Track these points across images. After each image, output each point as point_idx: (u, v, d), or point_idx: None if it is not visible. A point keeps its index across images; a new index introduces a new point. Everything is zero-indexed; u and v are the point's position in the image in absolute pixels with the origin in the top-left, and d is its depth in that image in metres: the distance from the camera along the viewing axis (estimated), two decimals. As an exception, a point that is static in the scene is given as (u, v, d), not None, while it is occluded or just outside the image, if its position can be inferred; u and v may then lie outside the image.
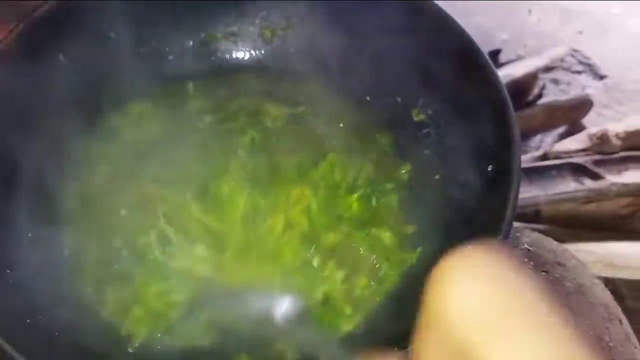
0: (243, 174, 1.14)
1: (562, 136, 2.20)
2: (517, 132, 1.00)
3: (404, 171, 1.19)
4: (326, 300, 1.03)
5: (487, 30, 2.44)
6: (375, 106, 1.29)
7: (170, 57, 1.31)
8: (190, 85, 1.29)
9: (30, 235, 0.98)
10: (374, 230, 1.11)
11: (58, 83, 1.11)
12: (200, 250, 1.03)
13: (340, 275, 1.04)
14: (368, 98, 1.31)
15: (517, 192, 0.93)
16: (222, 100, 1.26)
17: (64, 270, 1.00)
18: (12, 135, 1.00)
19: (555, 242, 1.27)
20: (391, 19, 1.20)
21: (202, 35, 1.33)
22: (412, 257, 1.09)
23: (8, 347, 0.73)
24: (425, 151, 1.21)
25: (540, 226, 1.82)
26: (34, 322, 0.88)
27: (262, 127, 1.23)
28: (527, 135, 2.04)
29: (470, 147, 1.10)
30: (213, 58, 1.34)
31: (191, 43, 1.32)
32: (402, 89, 1.26)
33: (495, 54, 2.18)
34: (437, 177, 1.17)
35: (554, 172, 1.78)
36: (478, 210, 1.02)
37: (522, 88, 2.09)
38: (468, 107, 1.12)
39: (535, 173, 1.79)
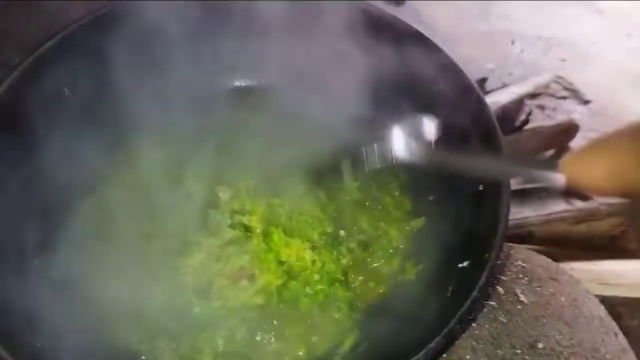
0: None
1: (552, 159, 2.26)
2: (504, 152, 1.06)
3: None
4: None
5: (472, 59, 2.53)
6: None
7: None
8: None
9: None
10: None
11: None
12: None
13: None
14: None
15: (508, 207, 0.98)
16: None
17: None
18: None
19: (548, 260, 1.31)
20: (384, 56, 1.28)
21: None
22: (411, 272, 1.13)
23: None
24: (419, 173, 1.26)
25: (534, 246, 1.86)
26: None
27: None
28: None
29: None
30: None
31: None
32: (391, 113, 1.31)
33: (482, 82, 2.26)
34: (432, 197, 1.22)
35: (543, 194, 1.84)
36: (473, 227, 1.06)
37: (509, 114, 2.17)
38: (459, 131, 1.18)
39: (526, 195, 1.85)
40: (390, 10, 2.59)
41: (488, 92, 2.24)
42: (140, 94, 1.22)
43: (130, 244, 1.12)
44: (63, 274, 1.03)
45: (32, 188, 1.07)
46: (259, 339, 1.04)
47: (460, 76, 1.20)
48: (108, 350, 1.01)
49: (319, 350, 1.05)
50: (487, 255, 0.95)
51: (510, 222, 1.72)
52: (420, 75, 1.24)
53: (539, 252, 1.48)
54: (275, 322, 1.06)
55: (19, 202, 1.05)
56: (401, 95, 1.27)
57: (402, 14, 2.44)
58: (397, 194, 1.26)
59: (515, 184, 1.96)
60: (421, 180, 1.26)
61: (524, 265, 1.22)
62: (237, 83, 1.44)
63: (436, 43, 1.25)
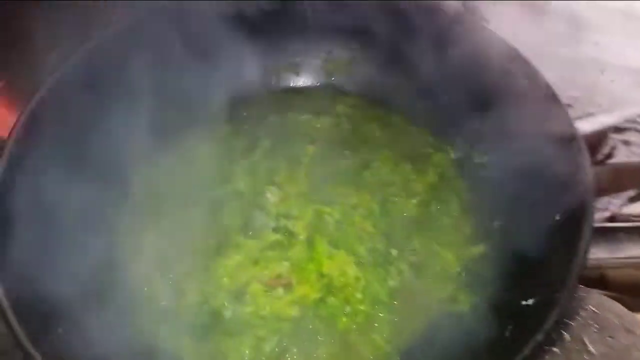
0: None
1: (632, 200, 2.06)
2: (590, 179, 0.93)
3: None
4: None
5: (557, 85, 2.37)
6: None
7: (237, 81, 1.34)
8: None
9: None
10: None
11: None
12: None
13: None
14: (430, 140, 1.28)
15: (588, 242, 0.85)
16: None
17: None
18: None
19: (623, 308, 1.15)
20: (455, 59, 1.19)
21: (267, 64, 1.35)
22: (465, 305, 1.01)
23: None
24: (486, 194, 1.15)
25: (606, 292, 1.67)
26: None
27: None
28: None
29: (537, 194, 1.04)
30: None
31: (255, 69, 1.34)
32: (463, 128, 1.22)
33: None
34: (497, 223, 1.10)
35: (621, 235, 1.65)
36: (543, 260, 0.94)
37: (591, 146, 1.99)
38: (537, 155, 1.06)
39: (601, 234, 1.66)
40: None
41: (569, 120, 2.07)
42: (196, 85, 1.21)
43: (170, 235, 1.08)
44: (98, 254, 1.00)
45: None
46: (288, 353, 0.95)
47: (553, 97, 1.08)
48: (131, 340, 0.96)
49: (352, 375, 0.96)
50: (557, 294, 0.82)
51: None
52: (500, 88, 1.14)
53: (611, 299, 1.32)
54: (308, 337, 0.97)
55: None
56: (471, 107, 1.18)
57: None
58: (456, 214, 1.14)
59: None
60: (487, 202, 1.15)
61: (595, 311, 1.07)
62: (295, 83, 1.38)
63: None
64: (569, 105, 2.10)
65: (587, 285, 1.68)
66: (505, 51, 1.16)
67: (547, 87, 1.06)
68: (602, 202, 2.14)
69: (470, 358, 0.87)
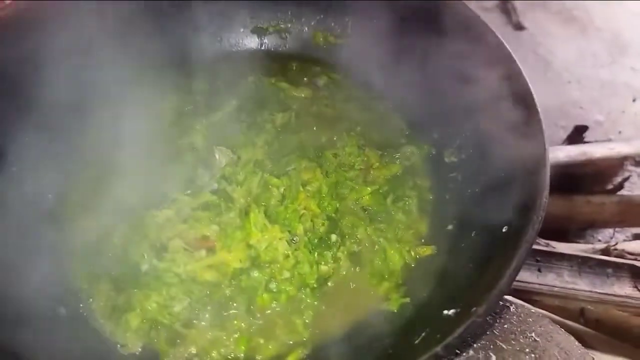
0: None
1: (637, 237, 1.94)
2: (543, 200, 0.85)
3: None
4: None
5: (582, 105, 2.25)
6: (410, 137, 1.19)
7: (219, 39, 1.30)
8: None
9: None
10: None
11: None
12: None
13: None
14: (406, 131, 1.21)
15: (519, 262, 0.78)
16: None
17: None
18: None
19: (576, 344, 1.07)
20: (450, 47, 1.12)
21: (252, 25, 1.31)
22: (394, 304, 0.95)
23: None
24: (446, 196, 1.08)
25: (581, 327, 1.57)
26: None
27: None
28: (593, 224, 1.81)
29: (492, 203, 0.96)
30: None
31: (241, 30, 1.29)
32: (442, 125, 1.14)
33: (581, 129, 1.98)
34: (450, 227, 1.03)
35: (610, 271, 1.55)
36: (479, 271, 0.87)
37: (602, 172, 1.87)
38: (503, 161, 0.98)
39: (587, 265, 1.57)
40: (508, 34, 2.38)
41: (584, 142, 1.96)
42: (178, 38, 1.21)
43: (112, 182, 1.06)
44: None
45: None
46: (197, 319, 0.91)
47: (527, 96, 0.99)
48: (51, 277, 0.95)
49: (260, 354, 0.91)
50: (475, 308, 0.75)
51: (560, 292, 1.48)
52: (482, 85, 1.06)
53: (583, 335, 1.24)
54: (221, 307, 0.93)
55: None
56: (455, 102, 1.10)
57: (519, 38, 2.23)
58: (413, 211, 1.07)
59: (581, 250, 1.70)
60: (446, 205, 1.08)
61: (536, 339, 0.99)
62: (281, 49, 1.33)
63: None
64: (585, 127, 1.98)
65: (563, 316, 1.59)
66: (502, 60, 1.06)
67: (533, 107, 0.96)
68: (605, 234, 2.02)
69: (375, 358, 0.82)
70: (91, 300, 0.95)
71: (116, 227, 1.00)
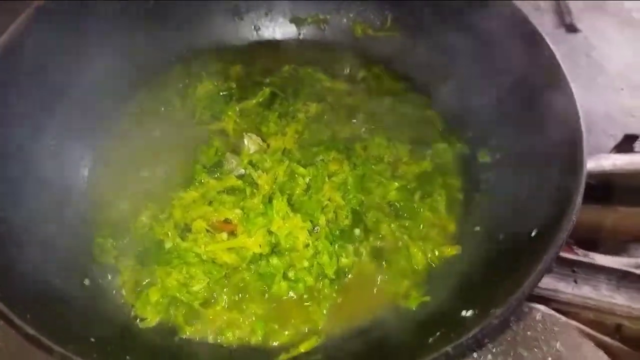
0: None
1: (684, 255, 1.82)
2: (575, 205, 0.81)
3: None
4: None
5: (634, 113, 2.14)
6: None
7: (258, 28, 1.31)
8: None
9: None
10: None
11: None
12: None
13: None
14: (440, 127, 1.19)
15: (546, 267, 0.75)
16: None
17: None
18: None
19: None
20: (494, 47, 1.08)
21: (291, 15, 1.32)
22: (414, 302, 0.93)
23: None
24: (476, 197, 1.05)
25: (615, 342, 1.50)
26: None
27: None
28: (638, 238, 1.72)
29: (523, 206, 0.93)
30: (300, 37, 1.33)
31: (280, 20, 1.29)
32: (478, 124, 1.11)
33: (631, 138, 1.87)
34: (478, 228, 1.00)
35: (651, 286, 1.47)
36: (501, 275, 0.84)
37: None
38: (538, 164, 0.95)
39: (628, 280, 1.49)
40: (560, 36, 2.29)
41: (633, 151, 1.86)
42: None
43: (144, 161, 1.08)
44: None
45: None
46: (215, 299, 0.93)
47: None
48: (76, 249, 0.98)
49: (274, 339, 0.91)
50: (493, 310, 0.73)
51: (596, 305, 1.41)
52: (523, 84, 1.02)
53: (614, 351, 1.18)
54: (239, 290, 0.94)
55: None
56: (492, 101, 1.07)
57: (572, 41, 2.14)
58: (441, 211, 1.05)
59: (622, 264, 1.62)
60: (476, 206, 1.04)
61: (560, 349, 0.96)
62: (319, 39, 1.32)
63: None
64: (636, 137, 1.88)
65: (599, 331, 1.52)
66: (548, 64, 1.02)
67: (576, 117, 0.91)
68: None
69: (388, 355, 0.80)
70: (115, 274, 0.97)
71: (145, 206, 1.02)
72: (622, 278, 1.46)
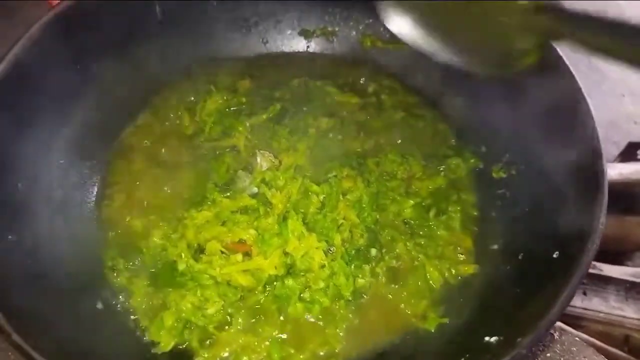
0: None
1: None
2: (599, 226, 0.79)
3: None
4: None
5: (637, 120, 2.14)
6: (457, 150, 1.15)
7: (266, 41, 1.29)
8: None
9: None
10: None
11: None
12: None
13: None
14: (453, 141, 1.17)
15: (572, 291, 0.74)
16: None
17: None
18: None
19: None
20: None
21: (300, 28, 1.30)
22: (432, 323, 0.92)
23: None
24: (493, 213, 1.04)
25: (625, 355, 1.50)
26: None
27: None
28: (644, 247, 1.71)
29: (542, 224, 0.92)
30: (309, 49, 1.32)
31: (289, 32, 1.27)
32: (491, 138, 1.10)
33: (635, 146, 1.87)
34: (495, 246, 0.99)
35: (659, 296, 1.47)
36: (523, 299, 0.83)
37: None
38: (555, 180, 0.93)
39: (636, 291, 1.49)
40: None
41: (638, 158, 1.86)
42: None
43: (155, 178, 1.06)
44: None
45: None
46: (230, 323, 0.91)
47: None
48: (92, 271, 0.97)
49: (291, 362, 0.89)
50: (520, 339, 0.72)
51: (605, 318, 1.41)
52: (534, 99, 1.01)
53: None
54: (254, 312, 0.92)
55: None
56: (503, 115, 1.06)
57: (572, 48, 2.11)
58: (456, 228, 1.03)
59: (630, 275, 1.61)
60: (492, 223, 1.03)
61: (579, 367, 0.95)
62: (328, 51, 1.30)
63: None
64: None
65: (606, 342, 1.51)
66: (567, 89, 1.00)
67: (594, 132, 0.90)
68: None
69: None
70: (128, 296, 0.95)
71: (156, 225, 1.00)
72: (630, 289, 1.46)
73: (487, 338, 0.78)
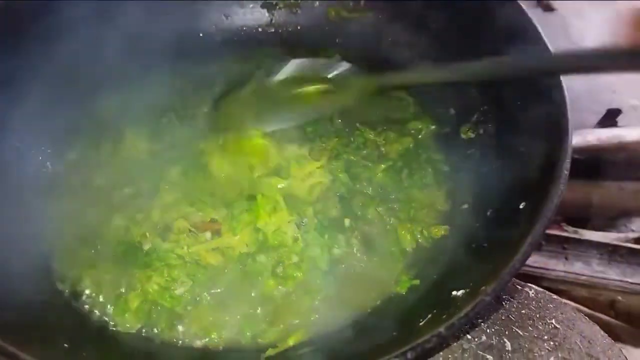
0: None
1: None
2: (563, 172, 0.79)
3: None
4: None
5: (615, 88, 2.14)
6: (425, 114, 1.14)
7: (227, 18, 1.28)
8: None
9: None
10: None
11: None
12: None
13: None
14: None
15: (535, 239, 0.73)
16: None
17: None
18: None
19: (602, 334, 1.00)
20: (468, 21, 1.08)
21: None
22: (404, 286, 0.91)
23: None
24: (462, 174, 1.03)
25: (610, 319, 1.49)
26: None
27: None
28: (626, 213, 1.71)
29: (510, 179, 0.92)
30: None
31: (251, 6, 1.27)
32: (459, 101, 1.10)
33: (614, 113, 1.88)
34: (465, 206, 0.99)
35: (643, 259, 1.46)
36: (489, 251, 0.83)
37: (636, 158, 1.77)
38: (522, 135, 0.94)
39: (619, 254, 1.48)
40: (537, 15, 2.29)
41: (616, 126, 1.87)
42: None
43: (123, 158, 1.05)
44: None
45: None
46: (199, 303, 0.89)
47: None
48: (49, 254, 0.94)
49: (262, 338, 0.88)
50: (483, 287, 0.71)
51: (588, 281, 1.40)
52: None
53: (612, 328, 1.16)
54: (225, 292, 0.90)
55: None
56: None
57: (549, 20, 2.13)
58: (431, 183, 1.04)
59: (612, 239, 1.61)
60: (463, 182, 1.03)
61: (557, 326, 0.94)
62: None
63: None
64: (618, 111, 1.89)
65: (592, 308, 1.50)
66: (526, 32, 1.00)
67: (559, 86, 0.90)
68: (638, 224, 1.92)
69: (379, 339, 0.78)
70: (89, 280, 0.93)
71: (119, 209, 0.99)
72: (613, 252, 1.45)
73: (454, 293, 0.78)
